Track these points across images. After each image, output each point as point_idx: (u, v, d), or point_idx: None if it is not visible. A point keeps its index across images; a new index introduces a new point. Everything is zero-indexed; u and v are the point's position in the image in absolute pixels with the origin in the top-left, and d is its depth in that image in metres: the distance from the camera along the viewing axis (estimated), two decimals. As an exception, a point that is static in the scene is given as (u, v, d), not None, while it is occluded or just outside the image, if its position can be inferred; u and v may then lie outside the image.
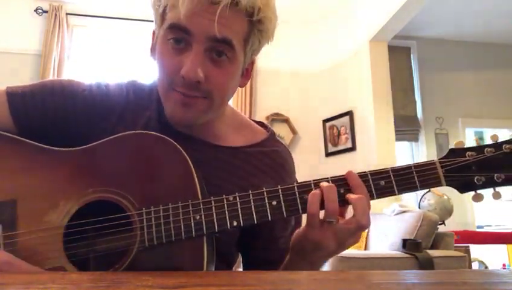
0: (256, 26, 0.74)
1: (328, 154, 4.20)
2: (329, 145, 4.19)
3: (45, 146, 0.74)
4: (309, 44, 4.39)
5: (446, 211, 3.16)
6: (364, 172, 0.70)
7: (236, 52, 0.73)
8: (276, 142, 0.89)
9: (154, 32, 0.79)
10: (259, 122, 0.93)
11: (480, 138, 4.83)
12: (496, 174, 0.67)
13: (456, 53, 4.93)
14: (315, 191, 0.67)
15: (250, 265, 0.89)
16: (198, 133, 0.82)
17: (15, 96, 0.78)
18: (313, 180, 0.69)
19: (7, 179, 0.71)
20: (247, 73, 0.83)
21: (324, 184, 0.68)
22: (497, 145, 0.68)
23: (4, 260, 0.63)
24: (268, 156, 0.85)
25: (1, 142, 0.74)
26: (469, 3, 4.26)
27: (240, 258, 0.92)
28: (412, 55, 4.82)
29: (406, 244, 2.54)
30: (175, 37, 0.71)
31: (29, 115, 0.78)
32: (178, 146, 0.71)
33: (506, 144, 0.68)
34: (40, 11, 4.00)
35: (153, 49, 0.79)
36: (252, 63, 0.83)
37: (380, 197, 0.69)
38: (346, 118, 4.03)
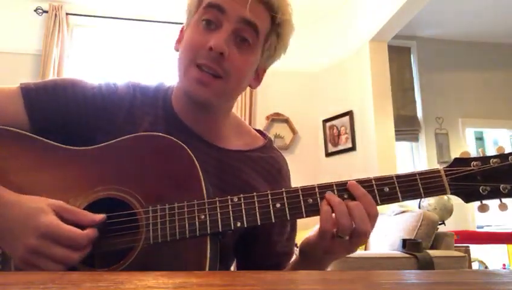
0: (276, 29, 0.81)
1: (328, 154, 4.19)
2: (329, 145, 4.19)
3: (58, 144, 0.76)
4: (309, 44, 4.39)
5: (446, 211, 3.15)
6: (369, 178, 0.70)
7: (259, 41, 0.79)
8: (273, 149, 0.93)
9: (182, 29, 0.85)
10: (258, 130, 0.96)
11: (480, 138, 4.78)
12: (501, 185, 0.66)
13: (456, 53, 4.93)
14: (328, 209, 0.67)
15: (245, 267, 0.90)
16: (205, 133, 0.84)
17: (29, 91, 0.80)
18: (318, 185, 0.69)
19: (21, 175, 0.73)
20: (258, 77, 0.87)
21: (335, 200, 0.68)
22: (502, 156, 0.68)
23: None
24: (267, 161, 0.88)
25: (15, 139, 0.76)
26: (469, 3, 4.26)
27: (235, 263, 0.93)
28: (412, 55, 4.82)
29: (406, 244, 2.54)
30: (208, 18, 0.77)
31: (43, 109, 0.80)
32: (186, 148, 0.72)
33: None
34: (40, 11, 3.99)
35: (179, 41, 0.84)
36: (264, 70, 0.88)
37: (384, 204, 0.70)
38: (346, 118, 4.03)
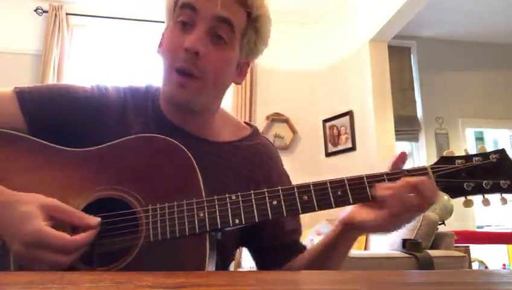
0: (253, 24, 0.83)
1: (328, 154, 4.19)
2: (329, 145, 4.19)
3: (57, 146, 0.77)
4: (309, 44, 4.39)
5: (446, 211, 3.15)
6: (360, 176, 0.72)
7: (235, 37, 0.81)
8: (260, 136, 0.96)
9: (163, 33, 0.88)
10: (244, 121, 1.00)
11: (480, 138, 4.76)
12: (484, 181, 0.70)
13: (456, 53, 4.92)
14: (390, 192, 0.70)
15: (262, 257, 0.92)
16: (195, 130, 0.87)
17: (24, 94, 0.81)
18: (312, 183, 0.71)
19: (19, 176, 0.74)
20: (242, 72, 0.89)
21: (393, 185, 0.70)
22: (484, 155, 0.72)
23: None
24: (256, 148, 0.92)
25: (13, 141, 0.77)
26: (469, 3, 4.26)
27: (237, 261, 0.94)
28: (412, 55, 4.82)
29: (406, 244, 2.54)
30: (183, 19, 0.79)
31: (39, 113, 0.81)
32: (184, 148, 0.74)
33: (493, 154, 0.72)
34: (40, 11, 3.99)
35: (160, 45, 0.87)
36: (248, 64, 0.90)
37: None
38: (346, 118, 4.03)
